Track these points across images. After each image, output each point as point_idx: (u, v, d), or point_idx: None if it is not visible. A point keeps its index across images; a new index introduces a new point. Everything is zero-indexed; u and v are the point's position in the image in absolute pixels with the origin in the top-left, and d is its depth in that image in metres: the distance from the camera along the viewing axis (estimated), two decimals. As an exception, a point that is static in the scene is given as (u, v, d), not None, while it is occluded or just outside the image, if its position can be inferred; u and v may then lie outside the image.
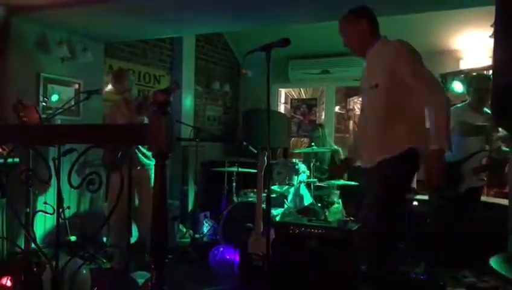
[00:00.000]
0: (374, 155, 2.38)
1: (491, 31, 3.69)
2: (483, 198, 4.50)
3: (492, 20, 2.02)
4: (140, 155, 3.60)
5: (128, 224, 3.40)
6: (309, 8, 3.81)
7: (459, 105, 3.81)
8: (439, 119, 2.19)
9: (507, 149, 3.77)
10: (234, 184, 4.75)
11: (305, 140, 6.95)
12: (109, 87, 5.14)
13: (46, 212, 1.64)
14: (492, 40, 2.16)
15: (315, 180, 4.70)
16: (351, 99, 7.83)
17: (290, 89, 7.37)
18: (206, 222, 5.14)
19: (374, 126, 2.39)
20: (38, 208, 3.65)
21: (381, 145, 2.35)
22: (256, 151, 4.29)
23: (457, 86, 4.68)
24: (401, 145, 2.29)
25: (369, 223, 2.43)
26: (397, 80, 2.26)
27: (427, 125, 2.31)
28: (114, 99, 5.20)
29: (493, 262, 2.16)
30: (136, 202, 3.67)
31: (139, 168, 3.57)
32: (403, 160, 2.30)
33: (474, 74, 4.01)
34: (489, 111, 3.68)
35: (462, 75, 4.63)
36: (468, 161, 3.59)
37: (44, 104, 4.15)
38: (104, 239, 4.22)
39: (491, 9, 2.11)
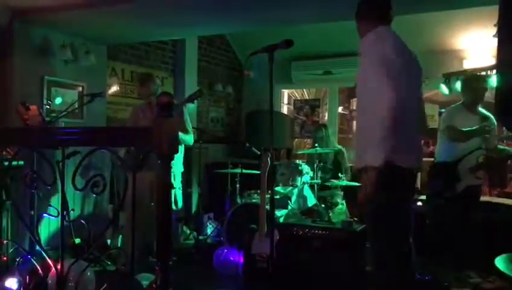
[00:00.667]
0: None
1: (494, 30, 3.68)
2: (487, 198, 4.50)
3: (495, 19, 2.01)
4: None
5: (138, 226, 3.43)
6: (311, 9, 3.81)
7: (453, 105, 3.80)
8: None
9: (504, 148, 3.77)
10: (238, 185, 4.75)
11: (309, 141, 6.94)
12: (112, 89, 5.16)
13: (50, 215, 1.65)
14: (496, 40, 2.16)
15: (319, 181, 4.69)
16: (354, 99, 7.81)
17: (293, 90, 7.36)
18: (210, 224, 5.14)
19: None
20: (43, 211, 3.66)
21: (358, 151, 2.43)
22: (259, 153, 4.29)
23: (460, 86, 4.66)
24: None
25: None
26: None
27: None
28: (119, 101, 5.25)
29: (498, 262, 2.15)
30: (151, 203, 3.67)
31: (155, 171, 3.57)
32: None
33: (469, 73, 4.01)
34: (483, 111, 3.69)
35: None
36: (464, 160, 3.57)
37: (48, 107, 4.17)
38: (109, 241, 4.23)
39: (495, 9, 2.10)
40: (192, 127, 4.94)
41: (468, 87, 3.73)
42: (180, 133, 3.71)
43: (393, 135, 2.03)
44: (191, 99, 3.60)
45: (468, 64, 5.30)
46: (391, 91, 2.04)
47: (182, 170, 3.94)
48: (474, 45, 5.33)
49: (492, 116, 3.53)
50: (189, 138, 3.83)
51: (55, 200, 3.91)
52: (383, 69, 2.10)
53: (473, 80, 3.79)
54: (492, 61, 4.65)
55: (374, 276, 2.39)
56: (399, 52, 2.23)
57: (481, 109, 3.68)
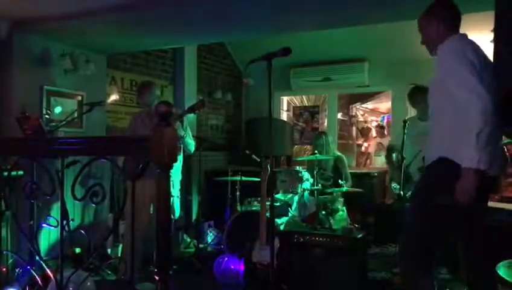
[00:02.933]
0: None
1: (491, 35, 3.70)
2: (488, 203, 4.48)
3: (492, 24, 2.02)
4: None
5: (138, 235, 3.43)
6: (310, 16, 3.83)
7: (410, 117, 4.12)
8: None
9: None
10: (238, 193, 4.74)
11: (308, 147, 6.95)
12: (112, 98, 5.18)
13: (50, 225, 1.65)
14: (492, 45, 2.17)
15: (319, 187, 4.69)
16: (353, 106, 7.83)
17: (292, 97, 7.38)
18: (210, 232, 5.13)
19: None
20: (42, 221, 3.65)
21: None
22: (259, 160, 4.29)
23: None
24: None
25: None
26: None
27: None
28: (119, 110, 5.26)
29: (500, 269, 2.14)
30: (151, 211, 3.66)
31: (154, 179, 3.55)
32: None
33: (411, 88, 4.18)
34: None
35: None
36: (414, 162, 3.84)
37: (47, 116, 4.17)
38: (109, 251, 4.22)
39: (491, 14, 2.11)
40: (192, 135, 4.96)
41: (413, 103, 4.07)
42: (187, 137, 3.73)
43: (491, 140, 2.01)
44: (192, 110, 3.60)
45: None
46: (486, 102, 1.99)
47: (181, 178, 3.93)
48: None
49: None
50: (191, 144, 3.83)
51: (55, 210, 3.90)
52: (476, 79, 2.03)
53: (417, 96, 3.99)
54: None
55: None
56: (483, 63, 2.14)
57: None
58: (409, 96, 4.16)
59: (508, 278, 2.06)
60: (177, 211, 3.89)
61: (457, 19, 2.34)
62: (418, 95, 3.98)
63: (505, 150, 4.91)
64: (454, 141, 2.10)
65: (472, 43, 2.24)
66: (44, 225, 3.64)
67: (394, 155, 4.33)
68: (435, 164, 2.24)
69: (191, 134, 3.90)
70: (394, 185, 4.16)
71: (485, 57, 2.19)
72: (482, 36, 4.76)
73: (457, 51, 2.17)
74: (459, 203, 2.06)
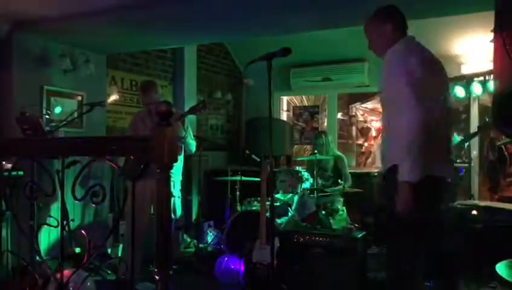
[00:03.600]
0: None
1: (491, 35, 3.71)
2: (487, 203, 4.49)
3: (492, 24, 2.03)
4: None
5: (138, 235, 3.43)
6: (309, 17, 3.83)
7: None
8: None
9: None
10: (238, 193, 4.74)
11: (308, 147, 6.95)
12: (112, 98, 5.18)
13: (50, 225, 1.65)
14: (492, 45, 2.17)
15: (319, 187, 4.69)
16: (353, 105, 7.83)
17: (292, 97, 7.38)
18: (210, 232, 5.13)
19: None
20: (42, 221, 3.65)
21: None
22: (259, 160, 4.29)
23: (459, 91, 4.69)
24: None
25: None
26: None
27: None
28: (119, 110, 5.26)
29: (499, 268, 2.14)
30: (151, 211, 3.66)
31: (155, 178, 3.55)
32: None
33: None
34: None
35: (465, 80, 4.65)
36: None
37: (47, 116, 4.17)
38: (109, 251, 4.22)
39: (491, 14, 2.11)
40: (193, 135, 4.96)
41: None
42: (188, 137, 3.73)
43: (422, 151, 2.02)
44: (193, 111, 3.60)
45: (466, 69, 5.32)
46: (417, 113, 2.02)
47: (181, 178, 3.93)
48: (472, 50, 5.35)
49: None
50: (192, 144, 3.84)
51: (55, 210, 3.91)
52: (410, 89, 2.05)
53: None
54: (490, 66, 4.67)
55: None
56: (428, 67, 2.16)
57: None
58: None
59: (508, 278, 2.06)
60: (178, 211, 3.89)
61: (404, 21, 2.35)
62: None
63: (504, 149, 4.95)
64: (400, 148, 2.09)
65: (417, 46, 2.27)
66: (44, 225, 3.64)
67: None
68: (388, 172, 2.20)
69: (192, 134, 3.90)
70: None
71: (431, 59, 2.22)
72: (481, 36, 4.79)
73: (398, 60, 2.19)
74: (401, 214, 2.08)
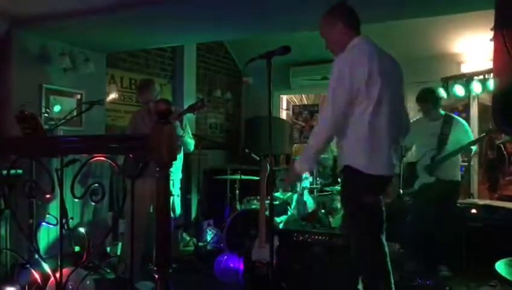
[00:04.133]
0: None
1: (491, 34, 3.70)
2: (486, 202, 4.49)
3: (492, 23, 2.02)
4: None
5: (138, 233, 3.43)
6: (308, 16, 3.82)
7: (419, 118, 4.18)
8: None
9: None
10: (237, 192, 4.74)
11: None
12: (111, 97, 5.17)
13: (49, 223, 1.64)
14: (492, 43, 2.16)
15: (318, 186, 4.69)
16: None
17: (292, 96, 7.37)
18: (210, 230, 5.13)
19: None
20: (41, 220, 3.65)
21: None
22: (258, 158, 4.29)
23: (459, 90, 4.68)
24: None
25: None
26: None
27: None
28: (118, 109, 5.25)
29: (499, 267, 2.15)
30: (151, 210, 3.65)
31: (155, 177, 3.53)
32: None
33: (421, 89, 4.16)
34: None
35: (464, 79, 4.64)
36: (422, 160, 3.94)
37: (46, 115, 4.17)
38: (108, 249, 4.22)
39: (491, 12, 2.11)
40: (192, 134, 4.95)
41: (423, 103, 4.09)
42: (186, 136, 3.72)
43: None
44: (192, 110, 3.58)
45: (465, 68, 5.32)
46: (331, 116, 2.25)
47: (181, 176, 3.93)
48: (472, 48, 5.35)
49: None
50: (191, 143, 3.82)
51: (54, 208, 3.90)
52: (329, 97, 2.31)
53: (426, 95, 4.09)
54: (490, 64, 4.67)
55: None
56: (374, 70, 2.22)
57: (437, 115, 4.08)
58: (420, 97, 4.07)
59: (507, 276, 2.06)
60: (178, 210, 3.89)
61: (357, 20, 2.38)
62: (427, 95, 4.00)
63: (503, 148, 4.94)
64: (351, 149, 2.28)
65: (367, 48, 2.28)
66: (43, 223, 3.64)
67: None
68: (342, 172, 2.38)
69: (190, 132, 3.89)
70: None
71: (379, 61, 2.24)
72: (481, 35, 4.78)
73: (340, 62, 2.28)
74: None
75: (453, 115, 4.16)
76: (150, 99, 3.73)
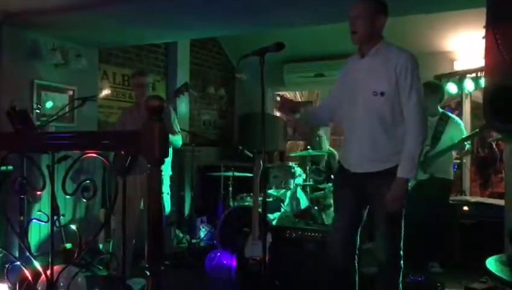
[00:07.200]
0: (379, 161, 2.30)
1: (483, 32, 3.72)
2: (478, 199, 4.53)
3: (484, 20, 2.03)
4: None
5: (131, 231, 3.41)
6: (301, 12, 3.82)
7: None
8: (414, 150, 2.22)
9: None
10: (230, 188, 4.74)
11: (301, 143, 6.95)
12: (104, 93, 5.13)
13: (40, 220, 1.63)
14: (484, 42, 2.17)
15: (311, 183, 4.70)
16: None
17: (286, 92, 7.37)
18: (203, 227, 5.13)
19: (378, 134, 2.29)
20: (32, 216, 3.62)
21: (392, 152, 2.29)
22: (252, 155, 4.28)
23: (452, 88, 4.71)
24: (398, 158, 2.26)
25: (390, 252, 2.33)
26: (397, 92, 2.25)
27: None
28: (111, 105, 5.22)
29: (489, 264, 2.16)
30: (141, 206, 3.63)
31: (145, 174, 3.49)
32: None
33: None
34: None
35: (457, 77, 4.67)
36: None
37: (38, 111, 4.13)
38: (101, 246, 4.20)
39: (484, 10, 2.12)
40: (185, 130, 4.92)
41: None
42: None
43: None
44: (177, 94, 3.53)
45: (458, 66, 5.35)
46: None
47: (171, 174, 3.89)
48: (464, 46, 5.37)
49: None
50: (177, 139, 3.66)
51: (46, 205, 3.87)
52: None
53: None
54: (483, 62, 4.70)
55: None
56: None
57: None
58: (433, 87, 3.99)
59: (497, 273, 2.08)
60: (168, 207, 3.84)
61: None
62: (426, 90, 3.93)
63: (494, 145, 4.97)
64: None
65: None
66: (34, 220, 3.61)
67: None
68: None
69: (178, 126, 3.78)
70: None
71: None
72: (474, 32, 4.80)
73: (415, 62, 2.33)
74: None
75: (451, 114, 4.16)
76: (144, 84, 3.65)
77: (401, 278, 2.37)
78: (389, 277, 2.36)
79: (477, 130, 3.92)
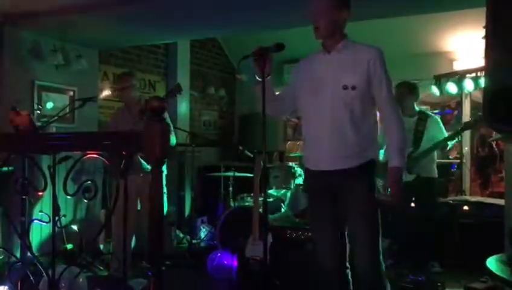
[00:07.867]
0: (349, 157, 2.23)
1: (483, 31, 3.73)
2: (478, 198, 4.53)
3: (484, 20, 2.04)
4: (143, 162, 3.54)
5: (129, 231, 3.42)
6: (300, 12, 3.82)
7: None
8: (401, 140, 2.24)
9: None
10: (231, 189, 4.74)
11: (301, 143, 6.95)
12: (104, 94, 5.14)
13: (41, 221, 1.63)
14: (484, 41, 2.18)
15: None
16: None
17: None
18: (203, 227, 5.13)
19: (348, 128, 2.23)
20: (34, 217, 3.63)
21: (360, 148, 2.24)
22: (252, 156, 4.29)
23: (452, 88, 4.71)
24: (366, 154, 2.25)
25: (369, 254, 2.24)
26: (369, 86, 2.24)
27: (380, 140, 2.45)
28: (111, 106, 5.22)
29: (490, 263, 2.17)
30: (138, 208, 3.63)
31: (142, 175, 3.51)
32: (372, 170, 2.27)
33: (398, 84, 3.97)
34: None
35: (457, 77, 4.67)
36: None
37: (38, 111, 4.14)
38: (101, 246, 4.20)
39: (484, 10, 2.13)
40: (185, 131, 4.92)
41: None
42: None
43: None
44: (169, 95, 3.54)
45: (458, 66, 5.35)
46: None
47: (166, 172, 3.87)
48: (464, 46, 5.38)
49: None
50: (171, 138, 3.71)
51: (47, 205, 3.88)
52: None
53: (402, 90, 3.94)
54: (482, 62, 4.70)
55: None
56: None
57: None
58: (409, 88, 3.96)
59: (498, 273, 2.09)
60: (165, 207, 3.85)
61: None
62: (403, 90, 3.90)
63: (494, 145, 4.97)
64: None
65: None
66: (35, 220, 3.62)
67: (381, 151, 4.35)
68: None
69: (171, 125, 3.76)
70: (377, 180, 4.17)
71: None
72: (474, 32, 4.81)
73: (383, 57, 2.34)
74: None
75: (427, 111, 4.15)
76: (129, 87, 3.65)
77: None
78: None
79: (459, 129, 3.89)
